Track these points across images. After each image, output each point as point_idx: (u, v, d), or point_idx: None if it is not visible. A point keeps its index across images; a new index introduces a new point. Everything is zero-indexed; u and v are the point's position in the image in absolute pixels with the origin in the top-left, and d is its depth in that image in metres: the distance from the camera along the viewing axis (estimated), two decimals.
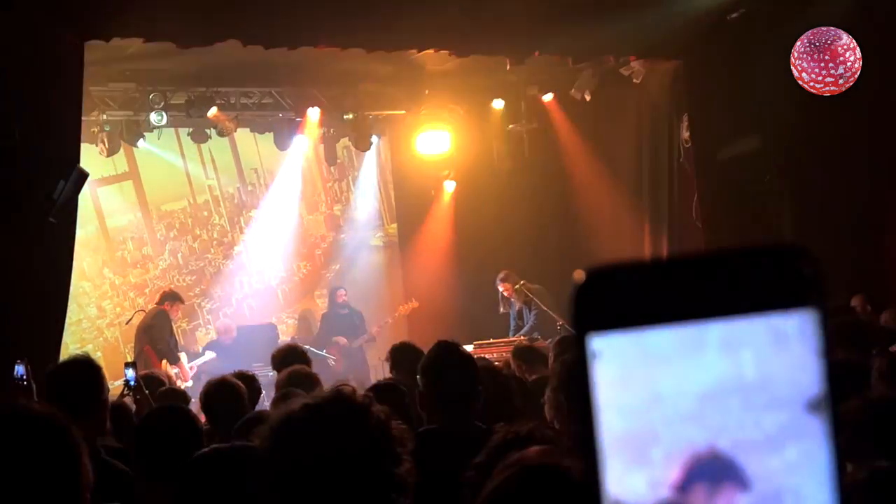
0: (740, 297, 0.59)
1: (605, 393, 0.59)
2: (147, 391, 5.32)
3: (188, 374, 10.11)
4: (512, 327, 10.62)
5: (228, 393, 4.64)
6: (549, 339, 9.33)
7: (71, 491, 1.96)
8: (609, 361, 0.59)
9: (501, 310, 10.81)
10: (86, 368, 3.82)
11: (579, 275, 0.61)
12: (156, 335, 9.93)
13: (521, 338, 9.61)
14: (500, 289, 10.66)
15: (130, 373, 5.22)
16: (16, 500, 1.90)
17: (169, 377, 8.12)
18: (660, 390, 0.58)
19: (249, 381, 5.26)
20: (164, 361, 9.82)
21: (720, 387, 0.58)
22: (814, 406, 0.59)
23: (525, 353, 6.48)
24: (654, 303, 0.59)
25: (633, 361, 0.58)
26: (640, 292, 0.59)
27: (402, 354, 5.53)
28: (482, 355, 7.70)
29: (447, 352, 3.96)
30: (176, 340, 10.32)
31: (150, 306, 10.55)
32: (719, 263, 0.61)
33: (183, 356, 10.35)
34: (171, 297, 10.28)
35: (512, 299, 10.64)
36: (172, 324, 10.25)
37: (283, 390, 4.90)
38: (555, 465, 1.62)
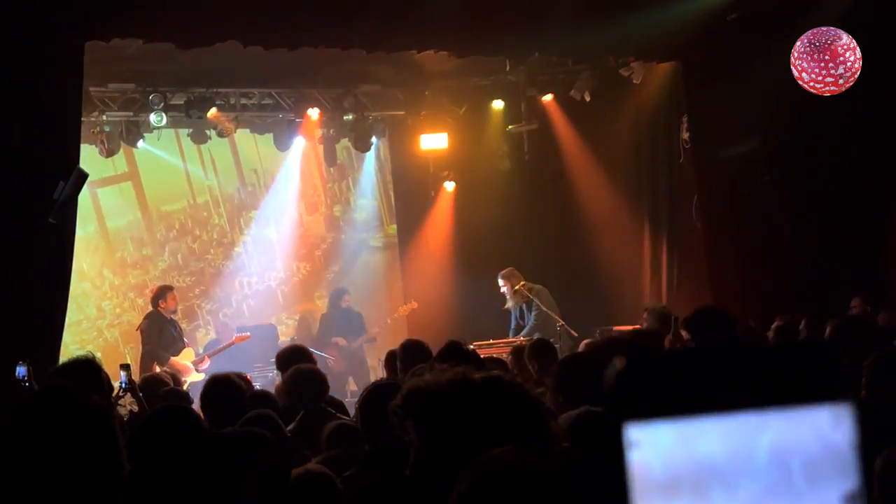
0: (777, 389, 0.58)
1: (642, 485, 0.57)
2: (143, 393, 5.34)
3: (189, 368, 10.07)
4: (512, 327, 10.61)
5: (229, 391, 4.66)
6: (550, 340, 9.34)
7: (111, 475, 1.98)
8: (646, 451, 0.58)
9: (506, 306, 10.77)
10: (87, 368, 3.82)
11: (620, 363, 0.60)
12: (143, 340, 10.07)
13: (521, 339, 9.59)
14: (501, 284, 10.63)
15: (123, 374, 5.29)
16: (56, 480, 1.91)
17: (174, 377, 8.12)
18: (705, 494, 0.56)
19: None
20: (175, 361, 9.86)
21: (766, 490, 0.57)
22: (851, 500, 0.58)
23: (538, 350, 6.36)
24: (692, 393, 0.58)
25: (671, 453, 0.57)
26: (678, 383, 0.58)
27: (412, 352, 5.56)
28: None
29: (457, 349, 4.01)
30: (173, 335, 10.20)
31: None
32: (756, 356, 0.60)
33: (190, 351, 10.33)
34: (160, 296, 10.20)
35: (510, 297, 10.61)
36: (166, 322, 10.15)
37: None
38: (525, 463, 1.61)
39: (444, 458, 1.91)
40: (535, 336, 9.80)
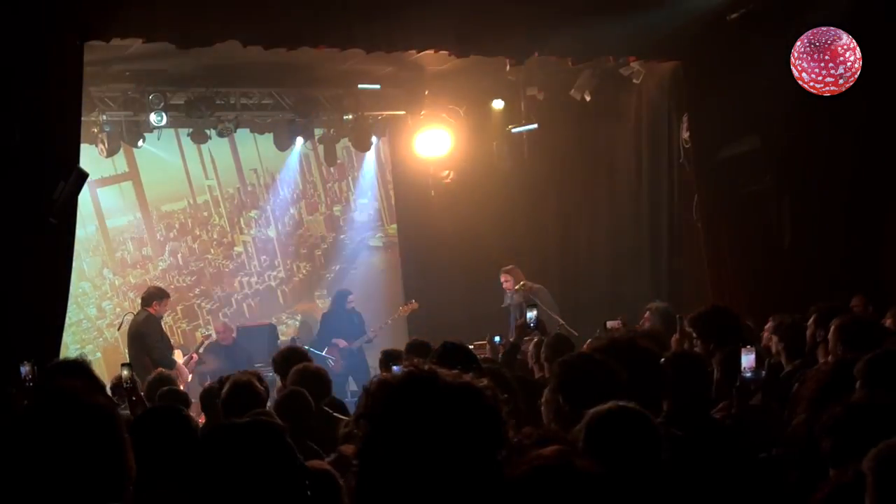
0: None
1: None
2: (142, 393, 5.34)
3: (186, 373, 10.05)
4: (512, 326, 10.59)
5: (250, 395, 4.69)
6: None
7: (116, 475, 1.98)
8: None
9: (504, 304, 10.77)
10: (77, 369, 3.82)
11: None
12: (148, 343, 9.76)
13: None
14: (503, 279, 10.63)
15: (126, 374, 5.27)
16: (60, 480, 1.92)
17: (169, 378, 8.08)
18: None
19: (258, 380, 5.32)
20: (180, 367, 9.77)
21: None
22: None
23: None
24: None
25: None
26: None
27: (417, 351, 5.58)
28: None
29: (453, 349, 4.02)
30: (168, 340, 10.15)
31: (137, 310, 10.24)
32: None
33: (178, 353, 10.26)
34: (155, 297, 10.05)
35: (510, 293, 10.61)
36: (161, 324, 10.10)
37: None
38: (570, 464, 1.63)
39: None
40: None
